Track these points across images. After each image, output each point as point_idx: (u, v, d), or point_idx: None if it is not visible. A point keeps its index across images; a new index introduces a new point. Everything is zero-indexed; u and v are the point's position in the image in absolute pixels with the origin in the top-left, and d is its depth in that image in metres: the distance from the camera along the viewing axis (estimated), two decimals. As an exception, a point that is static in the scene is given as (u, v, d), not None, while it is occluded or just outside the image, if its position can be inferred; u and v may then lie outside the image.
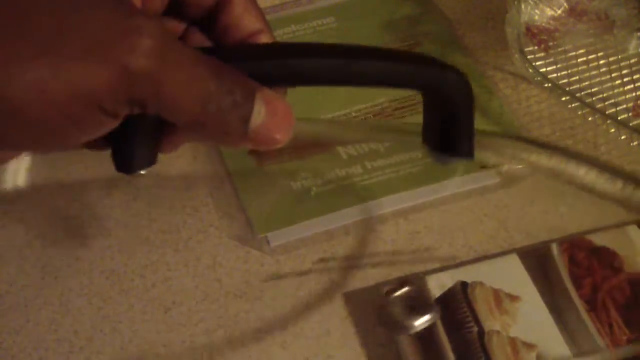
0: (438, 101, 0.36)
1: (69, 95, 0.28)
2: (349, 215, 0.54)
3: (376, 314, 0.48)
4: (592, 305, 0.48)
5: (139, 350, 0.48)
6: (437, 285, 0.49)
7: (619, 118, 0.57)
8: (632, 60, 0.61)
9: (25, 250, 0.52)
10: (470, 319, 0.47)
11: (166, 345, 0.48)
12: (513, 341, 0.46)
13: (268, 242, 0.52)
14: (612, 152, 0.56)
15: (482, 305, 0.48)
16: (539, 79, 0.59)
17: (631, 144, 0.56)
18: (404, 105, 0.59)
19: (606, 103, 0.58)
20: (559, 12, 0.64)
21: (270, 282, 0.51)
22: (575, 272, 0.50)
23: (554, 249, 0.51)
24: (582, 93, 0.58)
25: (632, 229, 0.52)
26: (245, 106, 0.32)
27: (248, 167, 0.56)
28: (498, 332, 0.47)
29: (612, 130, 0.56)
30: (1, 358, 0.48)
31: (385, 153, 0.56)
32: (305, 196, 0.54)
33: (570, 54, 0.61)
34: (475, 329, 0.47)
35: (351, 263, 0.52)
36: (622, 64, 0.60)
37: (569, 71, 0.60)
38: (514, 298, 0.48)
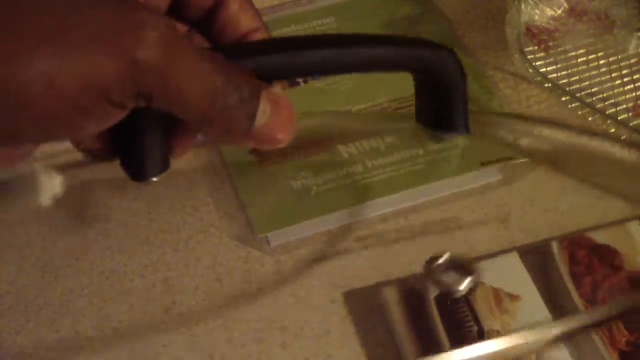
0: (431, 80, 0.37)
1: (75, 86, 0.29)
2: (349, 215, 0.54)
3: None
4: (592, 305, 0.48)
5: (139, 350, 0.48)
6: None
7: (619, 118, 0.57)
8: (632, 60, 0.61)
9: (25, 250, 0.52)
10: (470, 318, 0.47)
11: (166, 345, 0.48)
12: (513, 341, 0.46)
13: (268, 242, 0.52)
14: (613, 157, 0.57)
15: (482, 305, 0.48)
16: (539, 79, 0.59)
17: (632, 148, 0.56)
18: (404, 106, 0.59)
19: (606, 103, 0.58)
20: (559, 12, 0.64)
21: (270, 282, 0.51)
22: (575, 271, 0.50)
23: (554, 246, 0.51)
24: (582, 93, 0.58)
25: (633, 225, 0.52)
26: (252, 104, 0.32)
27: (248, 166, 0.56)
28: (498, 331, 0.47)
29: (612, 130, 0.56)
30: (1, 358, 0.48)
31: (386, 151, 0.56)
32: (306, 196, 0.54)
33: (570, 54, 0.61)
34: (475, 328, 0.47)
35: (351, 263, 0.52)
36: (622, 64, 0.60)
37: (569, 71, 0.60)
38: (514, 297, 0.48)
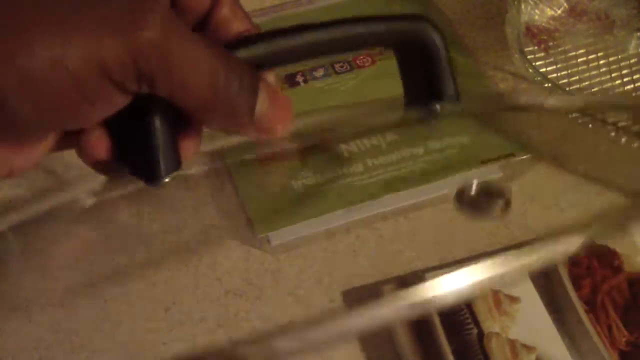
0: (413, 52, 0.38)
1: (79, 66, 0.29)
2: (349, 214, 0.54)
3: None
4: (591, 307, 0.48)
5: (139, 350, 0.48)
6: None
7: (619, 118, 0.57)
8: (632, 60, 0.61)
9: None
10: (469, 320, 0.47)
11: (166, 344, 0.48)
12: (512, 343, 0.46)
13: (269, 241, 0.52)
14: (613, 154, 0.56)
15: (482, 307, 0.48)
16: (539, 79, 0.59)
17: (632, 146, 0.56)
18: (404, 105, 0.59)
19: (606, 103, 0.58)
20: (559, 12, 0.64)
21: (270, 281, 0.51)
22: (575, 272, 0.50)
23: (554, 248, 0.51)
24: (582, 93, 0.58)
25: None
26: (252, 92, 0.33)
27: (248, 166, 0.56)
28: (497, 333, 0.47)
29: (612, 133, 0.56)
30: (2, 358, 0.48)
31: (387, 149, 0.56)
32: (306, 195, 0.54)
33: (570, 54, 0.61)
34: (475, 330, 0.47)
35: (352, 262, 0.52)
36: (622, 64, 0.60)
37: (569, 71, 0.60)
38: (513, 299, 0.48)
